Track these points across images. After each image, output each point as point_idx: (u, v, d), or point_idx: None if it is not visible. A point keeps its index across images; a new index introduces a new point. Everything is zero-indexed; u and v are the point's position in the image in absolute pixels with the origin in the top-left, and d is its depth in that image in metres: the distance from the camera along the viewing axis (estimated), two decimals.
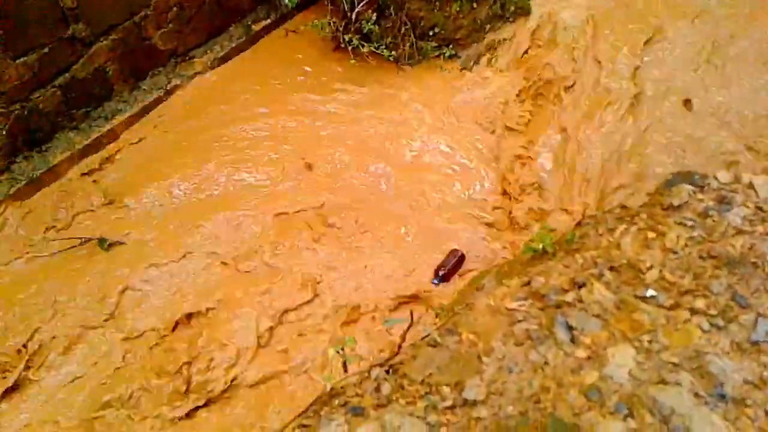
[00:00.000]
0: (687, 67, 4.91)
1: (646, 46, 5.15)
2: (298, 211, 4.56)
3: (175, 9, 5.33)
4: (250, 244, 4.36)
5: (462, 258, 4.39)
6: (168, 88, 5.41)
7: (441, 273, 4.28)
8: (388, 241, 4.46)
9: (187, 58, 5.68)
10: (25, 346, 3.79)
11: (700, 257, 2.30)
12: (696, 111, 4.63)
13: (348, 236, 4.46)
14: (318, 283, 4.15)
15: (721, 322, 2.05)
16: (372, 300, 4.06)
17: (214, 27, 5.86)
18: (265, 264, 4.25)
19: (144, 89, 5.36)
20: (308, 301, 4.05)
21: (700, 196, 2.59)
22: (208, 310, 4.00)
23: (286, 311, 4.00)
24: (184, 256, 4.27)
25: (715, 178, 2.66)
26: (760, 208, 2.46)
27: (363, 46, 5.59)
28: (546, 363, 2.02)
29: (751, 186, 2.59)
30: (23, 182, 4.52)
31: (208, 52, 5.79)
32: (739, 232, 2.37)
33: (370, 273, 4.26)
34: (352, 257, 4.35)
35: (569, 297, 2.24)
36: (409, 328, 2.64)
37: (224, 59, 5.81)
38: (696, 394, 1.85)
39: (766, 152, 4.25)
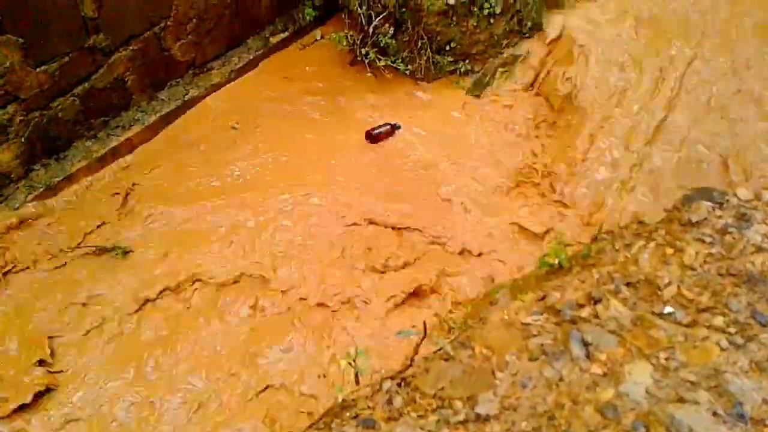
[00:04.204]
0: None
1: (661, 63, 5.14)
2: None
3: (194, 20, 5.39)
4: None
5: (395, 127, 5.34)
6: (186, 99, 5.45)
7: (370, 134, 5.24)
8: None
9: (205, 69, 5.73)
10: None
11: (719, 274, 2.26)
12: None
13: None
14: None
15: (740, 341, 2.01)
16: None
17: (233, 39, 5.91)
18: None
19: (162, 99, 5.40)
20: None
21: (719, 212, 2.56)
22: None
23: None
24: None
25: (735, 195, 2.63)
26: None
27: (379, 59, 5.61)
28: (561, 379, 1.99)
29: None
30: (41, 189, 4.56)
31: (226, 63, 5.84)
32: (759, 249, 2.33)
33: None
34: None
35: (585, 312, 2.21)
36: (422, 340, 2.62)
37: (242, 71, 5.85)
38: (714, 413, 1.81)
39: None
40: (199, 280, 4.19)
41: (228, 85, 5.75)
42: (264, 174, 4.94)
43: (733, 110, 4.90)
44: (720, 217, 2.53)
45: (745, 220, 2.48)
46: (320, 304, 4.12)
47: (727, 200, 2.62)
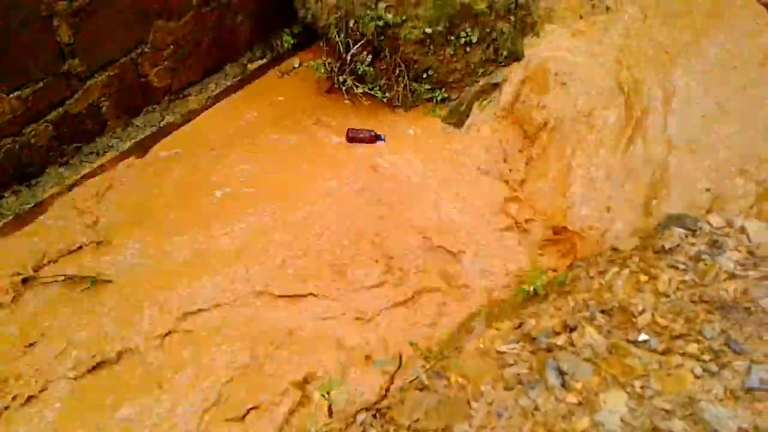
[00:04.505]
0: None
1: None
2: None
3: (172, 46, 5.37)
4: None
5: (375, 137, 5.54)
6: (161, 125, 5.41)
7: (350, 135, 5.49)
8: None
9: (181, 95, 5.70)
10: None
11: (692, 301, 2.27)
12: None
13: None
14: None
15: (714, 368, 2.01)
16: None
17: (210, 65, 5.90)
18: None
19: (137, 126, 5.35)
20: None
21: (692, 239, 2.58)
22: None
23: None
24: None
25: (707, 222, 2.66)
26: (752, 253, 2.44)
27: (357, 87, 5.64)
28: (536, 408, 1.97)
29: (743, 230, 2.58)
30: (9, 217, 4.47)
31: (203, 90, 5.82)
32: (732, 276, 2.35)
33: None
34: None
35: (561, 340, 2.20)
36: (397, 370, 2.59)
37: (219, 97, 5.83)
38: None
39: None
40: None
41: (205, 112, 5.72)
42: (239, 200, 4.91)
43: (711, 138, 4.95)
44: (693, 244, 2.55)
45: (717, 247, 2.50)
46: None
47: (700, 227, 2.65)
